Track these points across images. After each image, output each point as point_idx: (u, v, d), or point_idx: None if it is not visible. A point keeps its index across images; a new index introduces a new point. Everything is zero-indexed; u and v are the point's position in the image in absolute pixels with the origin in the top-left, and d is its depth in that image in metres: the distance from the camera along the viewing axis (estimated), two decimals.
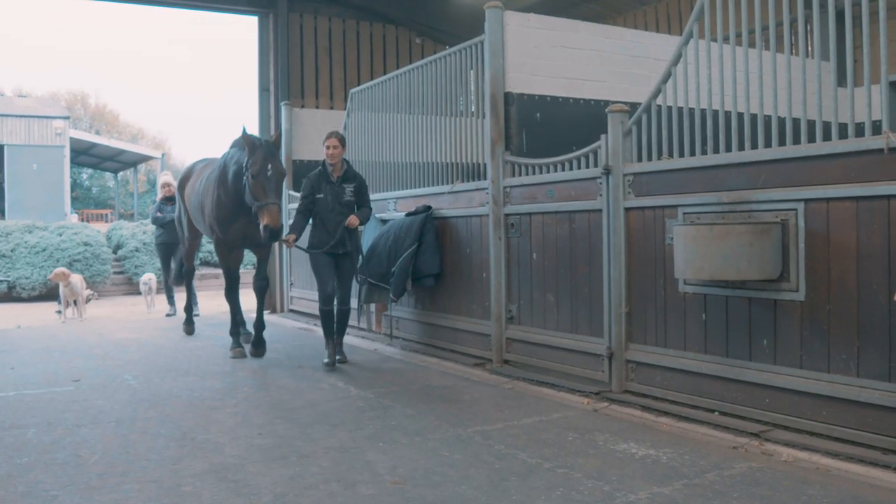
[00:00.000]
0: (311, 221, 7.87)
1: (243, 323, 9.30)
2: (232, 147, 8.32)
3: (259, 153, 7.48)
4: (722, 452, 4.62)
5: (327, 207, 7.67)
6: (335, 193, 7.69)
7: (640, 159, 5.96)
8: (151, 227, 15.47)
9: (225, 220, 8.32)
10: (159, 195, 13.52)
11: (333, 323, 7.86)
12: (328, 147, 7.70)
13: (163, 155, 41.07)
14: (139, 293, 15.48)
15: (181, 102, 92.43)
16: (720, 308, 5.27)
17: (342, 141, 7.81)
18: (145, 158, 39.69)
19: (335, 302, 7.87)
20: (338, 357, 7.84)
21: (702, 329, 5.40)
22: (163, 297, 14.34)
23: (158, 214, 13.12)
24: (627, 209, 5.92)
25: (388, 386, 6.64)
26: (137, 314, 13.98)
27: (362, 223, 7.91)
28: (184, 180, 10.11)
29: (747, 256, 4.76)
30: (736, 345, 5.17)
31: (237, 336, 8.74)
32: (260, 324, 8.57)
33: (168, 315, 13.13)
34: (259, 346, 8.49)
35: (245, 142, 7.62)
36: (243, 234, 8.35)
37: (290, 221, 8.82)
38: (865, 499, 3.83)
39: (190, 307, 10.85)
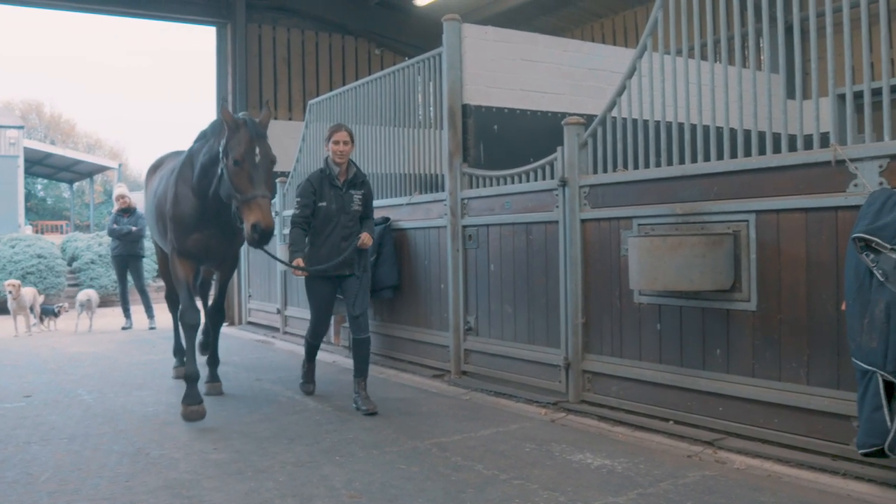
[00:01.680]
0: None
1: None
2: (197, 140, 6.58)
3: (243, 133, 5.70)
4: (676, 461, 4.66)
5: (331, 218, 6.36)
6: (341, 201, 6.39)
7: (595, 171, 6.02)
8: (108, 239, 15.25)
9: (184, 226, 6.42)
10: (115, 207, 13.35)
11: (315, 354, 6.98)
12: (336, 142, 6.39)
13: (119, 165, 40.57)
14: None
15: (139, 112, 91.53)
16: (674, 318, 5.33)
17: (353, 136, 6.56)
18: (102, 169, 39.14)
19: (350, 332, 6.61)
20: (364, 407, 6.11)
21: (657, 339, 5.46)
22: (104, 314, 14.14)
23: (115, 226, 12.95)
24: (583, 221, 5.98)
25: (346, 399, 6.60)
26: (94, 328, 13.74)
27: (373, 240, 6.68)
28: (148, 178, 8.35)
29: (700, 267, 4.83)
30: (690, 354, 5.23)
31: (182, 354, 7.49)
32: (215, 360, 7.23)
33: (124, 328, 12.95)
34: (215, 381, 7.11)
35: (225, 120, 5.80)
36: (206, 247, 6.50)
37: (285, 240, 7.59)
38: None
39: (180, 346, 8.01)
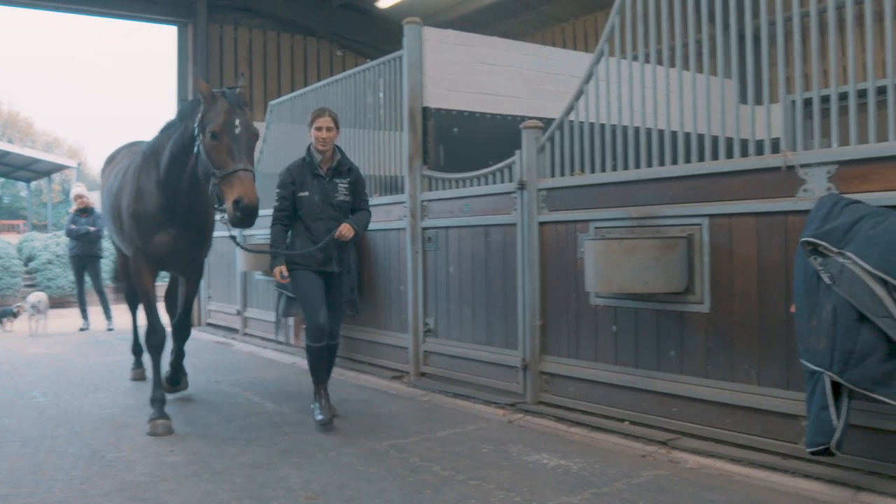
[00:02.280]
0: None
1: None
2: (163, 131, 5.98)
3: (221, 104, 5.23)
4: (631, 461, 4.73)
5: (314, 210, 5.83)
6: (325, 191, 5.85)
7: (553, 175, 6.09)
8: (65, 239, 15.05)
9: (148, 226, 5.90)
10: (73, 207, 13.18)
11: (327, 364, 6.03)
12: (319, 128, 5.84)
13: (78, 164, 39.90)
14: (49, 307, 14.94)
15: (99, 111, 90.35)
16: (630, 320, 5.41)
17: (337, 121, 5.98)
18: (60, 168, 38.48)
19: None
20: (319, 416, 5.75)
21: (612, 340, 5.53)
22: (61, 315, 13.96)
23: (73, 227, 12.80)
24: (541, 223, 6.03)
25: (306, 401, 6.59)
26: (51, 329, 13.55)
27: (358, 233, 5.94)
28: (103, 173, 7.74)
29: (654, 270, 4.90)
30: (645, 355, 5.31)
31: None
32: (177, 378, 6.90)
33: (81, 329, 12.79)
34: (177, 384, 6.90)
35: (200, 92, 5.32)
36: (173, 250, 5.97)
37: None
38: (764, 502, 3.98)
39: (138, 345, 7.80)
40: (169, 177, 5.76)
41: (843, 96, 4.43)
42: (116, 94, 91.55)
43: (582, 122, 5.92)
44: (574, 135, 5.96)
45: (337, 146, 6.02)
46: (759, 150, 4.80)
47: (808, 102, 4.72)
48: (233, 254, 10.69)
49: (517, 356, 6.23)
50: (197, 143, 5.34)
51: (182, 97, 13.16)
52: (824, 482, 4.15)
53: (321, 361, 5.90)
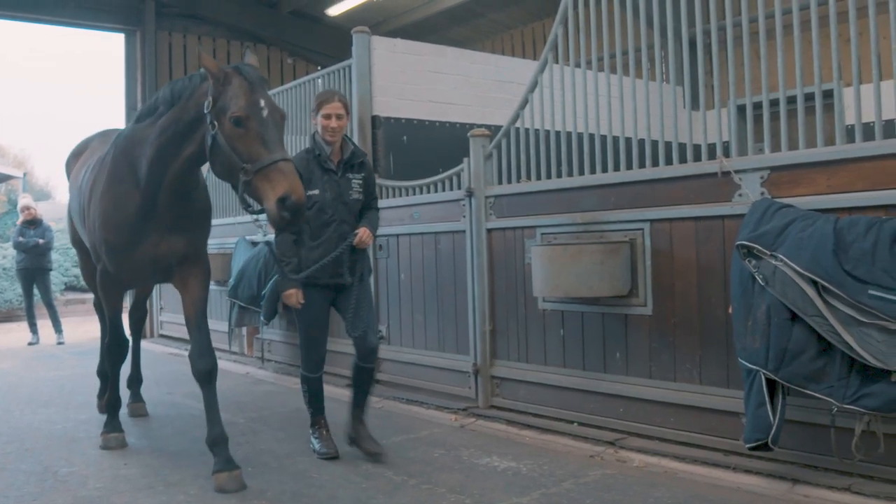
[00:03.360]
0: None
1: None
2: (138, 120, 4.91)
3: (238, 83, 4.17)
4: (579, 461, 4.85)
5: (324, 211, 5.00)
6: (337, 188, 5.04)
7: (500, 182, 6.21)
8: (12, 252, 14.84)
9: (128, 236, 4.92)
10: (20, 219, 13.02)
11: (323, 396, 5.35)
12: (327, 116, 5.02)
13: (24, 175, 39.12)
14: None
15: (44, 118, 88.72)
16: (576, 323, 5.54)
17: (348, 107, 5.17)
18: (5, 178, 37.70)
19: (355, 358, 5.19)
20: (368, 448, 5.08)
21: (560, 344, 5.65)
22: (9, 329, 13.78)
23: (20, 239, 12.64)
24: (490, 230, 6.15)
25: (260, 410, 6.63)
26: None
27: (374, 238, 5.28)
28: (70, 166, 6.73)
29: (599, 274, 5.03)
30: (592, 358, 5.44)
31: (115, 411, 5.81)
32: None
33: (30, 343, 12.62)
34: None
35: (208, 70, 4.21)
36: (168, 254, 4.99)
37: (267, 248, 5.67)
38: (706, 497, 4.12)
39: (138, 376, 7.02)
40: (153, 176, 4.73)
41: (774, 103, 4.62)
42: (61, 99, 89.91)
43: (528, 130, 6.05)
44: (520, 142, 6.09)
45: (347, 136, 5.26)
46: (697, 155, 4.96)
47: (742, 109, 4.89)
48: None
49: (468, 361, 6.33)
50: (211, 133, 4.22)
51: (131, 105, 13.08)
52: (763, 476, 4.31)
53: (317, 392, 5.29)
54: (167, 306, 12.14)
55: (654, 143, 5.20)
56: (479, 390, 6.24)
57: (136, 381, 6.90)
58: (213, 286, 9.91)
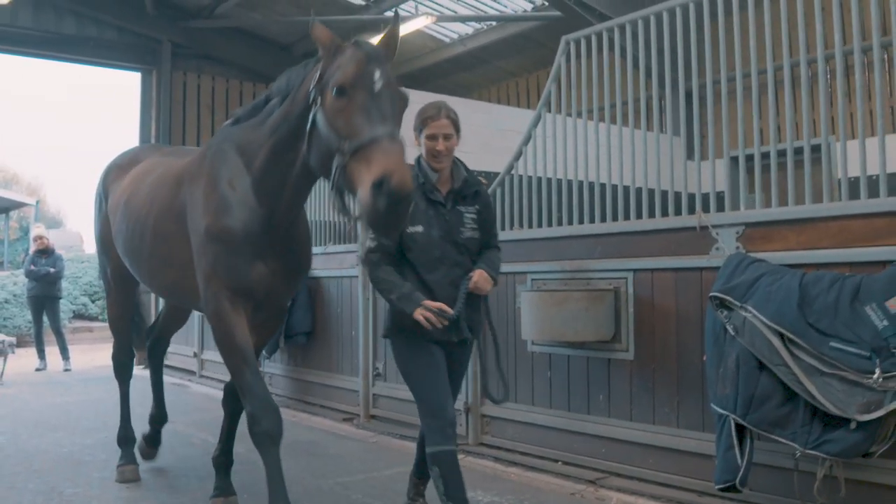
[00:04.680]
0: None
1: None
2: (249, 114, 4.26)
3: (352, 53, 3.52)
4: (559, 499, 5.08)
5: (431, 252, 4.06)
6: (446, 225, 4.11)
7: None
8: (23, 279, 15.14)
9: (240, 251, 4.10)
10: (32, 248, 13.35)
11: (462, 480, 4.02)
12: (433, 137, 4.06)
13: (37, 202, 39.61)
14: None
15: (59, 148, 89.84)
16: (563, 366, 5.79)
17: (458, 125, 4.16)
18: (18, 205, 38.12)
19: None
20: None
21: (547, 385, 5.90)
22: (19, 355, 13.98)
23: (32, 268, 12.96)
24: None
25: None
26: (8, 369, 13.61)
27: (495, 283, 4.24)
28: (110, 181, 5.74)
29: (584, 320, 5.29)
30: (577, 399, 5.68)
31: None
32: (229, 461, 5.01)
33: (38, 369, 12.88)
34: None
35: (321, 43, 3.66)
36: (267, 287, 4.21)
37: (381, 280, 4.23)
38: None
39: (126, 432, 5.90)
40: (269, 179, 4.04)
41: (750, 158, 4.91)
42: (74, 129, 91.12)
43: (521, 178, 6.35)
44: (514, 191, 6.38)
45: (458, 159, 4.29)
46: (678, 209, 5.24)
47: (748, 159, 5.16)
48: None
49: (460, 400, 6.56)
50: (312, 113, 3.59)
51: (145, 140, 13.51)
52: None
53: (456, 471, 3.98)
54: (173, 337, 12.36)
55: (642, 192, 5.50)
56: (469, 428, 6.47)
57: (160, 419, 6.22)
58: None
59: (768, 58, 4.90)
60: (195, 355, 11.33)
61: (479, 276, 4.06)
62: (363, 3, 13.05)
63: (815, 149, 4.85)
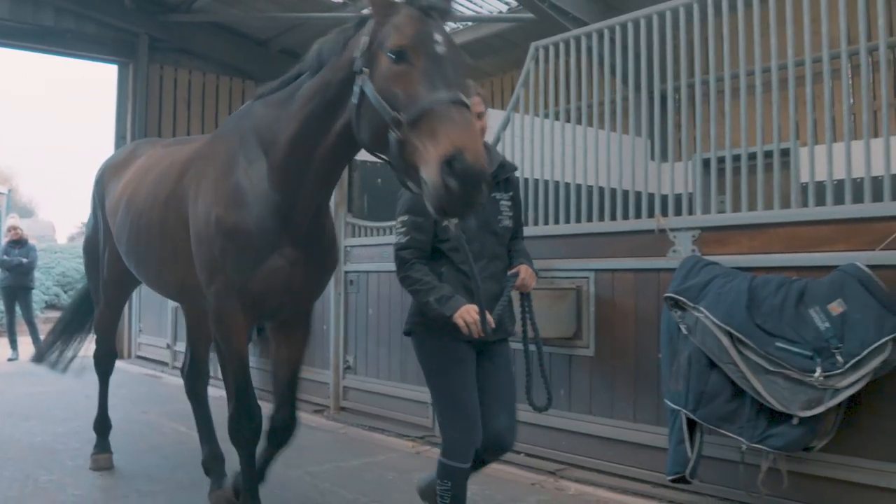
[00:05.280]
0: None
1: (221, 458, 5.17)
2: (278, 89, 3.75)
3: (406, 13, 3.03)
4: (520, 488, 5.28)
5: (471, 242, 3.58)
6: (483, 214, 3.69)
7: None
8: None
9: (252, 246, 3.67)
10: (5, 238, 13.38)
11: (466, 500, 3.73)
12: None
13: (9, 191, 39.27)
14: None
15: (32, 138, 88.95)
16: (525, 361, 5.97)
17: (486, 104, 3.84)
18: None
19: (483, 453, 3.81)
20: None
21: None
22: None
23: (5, 258, 12.98)
24: None
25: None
26: None
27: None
28: (107, 180, 5.39)
29: (547, 317, 5.48)
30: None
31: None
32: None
33: (10, 359, 12.92)
34: None
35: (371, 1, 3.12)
36: (286, 285, 3.75)
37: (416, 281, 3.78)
38: None
39: (103, 421, 5.86)
40: (291, 164, 3.59)
41: (720, 161, 5.14)
42: (49, 122, 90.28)
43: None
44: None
45: (489, 144, 4.00)
46: (639, 212, 5.46)
47: (720, 160, 5.34)
48: None
49: (428, 392, 6.73)
50: (358, 86, 3.07)
51: (120, 134, 13.52)
52: None
53: (465, 491, 3.72)
54: (145, 328, 12.48)
55: (605, 193, 5.71)
56: (436, 420, 6.65)
57: (216, 457, 5.23)
58: None
59: (741, 63, 5.09)
60: (168, 346, 11.43)
61: (525, 273, 3.79)
62: (341, 0, 13.15)
63: (784, 153, 5.04)
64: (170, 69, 14.13)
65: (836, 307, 4.14)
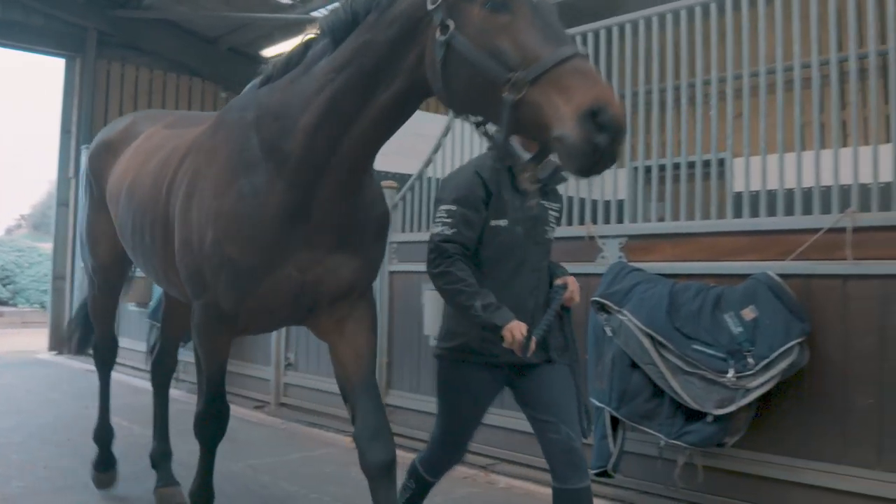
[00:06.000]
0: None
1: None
2: (267, 80, 3.30)
3: None
4: (453, 481, 5.47)
5: (513, 252, 3.38)
6: (532, 220, 3.45)
7: (404, 230, 6.90)
8: None
9: (255, 255, 3.15)
10: None
11: None
12: None
13: None
14: None
15: None
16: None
17: None
18: None
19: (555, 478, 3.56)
20: None
21: None
22: None
23: None
24: (392, 273, 6.84)
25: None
26: None
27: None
28: (102, 159, 4.82)
29: None
30: None
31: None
32: None
33: None
34: None
35: None
36: (297, 291, 3.24)
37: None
38: None
39: (104, 432, 5.34)
40: (312, 156, 3.04)
41: (649, 170, 5.42)
42: None
43: (430, 180, 6.78)
44: (423, 195, 6.80)
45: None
46: (570, 218, 5.72)
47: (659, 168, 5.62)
48: None
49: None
50: (440, 40, 2.60)
51: (65, 129, 13.48)
52: (608, 500, 5.03)
53: (422, 498, 3.83)
54: None
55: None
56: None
57: (165, 454, 5.28)
58: (133, 308, 10.38)
59: (683, 74, 5.35)
60: None
61: (574, 286, 3.43)
62: (289, 1, 13.25)
63: (716, 163, 5.33)
64: (117, 65, 14.08)
65: (749, 313, 4.45)
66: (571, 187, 5.87)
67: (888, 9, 4.43)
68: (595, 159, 2.33)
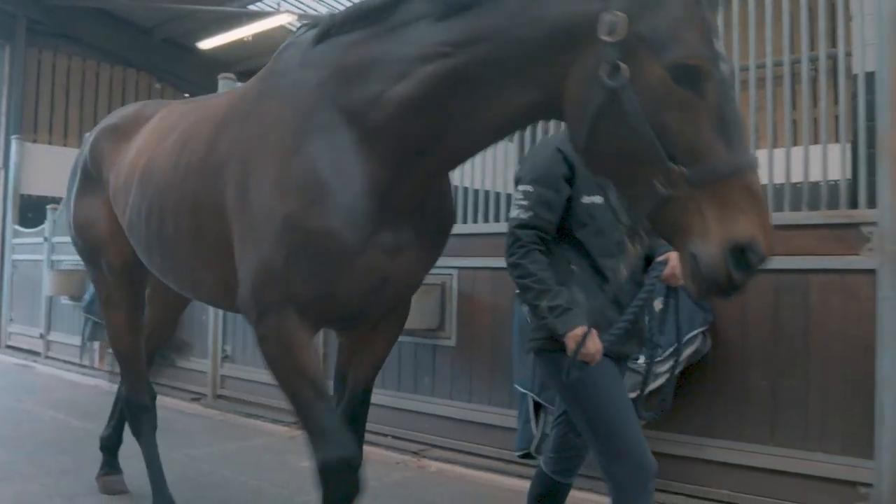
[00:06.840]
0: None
1: None
2: (328, 33, 2.67)
3: (694, 6, 2.08)
4: (386, 467, 5.77)
5: (607, 234, 3.03)
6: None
7: None
8: None
9: (347, 229, 2.57)
10: None
11: None
12: None
13: None
14: None
15: None
16: (394, 351, 6.41)
17: None
18: None
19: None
20: None
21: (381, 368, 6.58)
22: None
23: None
24: None
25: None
26: None
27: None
28: (107, 142, 4.21)
29: (414, 310, 5.92)
30: (405, 380, 6.40)
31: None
32: None
33: None
34: None
35: None
36: (384, 276, 2.75)
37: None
38: (479, 494, 5.13)
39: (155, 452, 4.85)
40: (406, 134, 2.53)
41: None
42: None
43: None
44: None
45: None
46: (497, 215, 6.02)
47: None
48: (37, 275, 11.02)
49: None
50: (608, 85, 2.08)
51: None
52: (530, 479, 5.34)
53: None
54: (17, 318, 12.35)
55: (467, 194, 6.25)
56: None
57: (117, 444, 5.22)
58: (67, 301, 10.39)
59: None
60: (41, 336, 11.36)
61: (676, 261, 2.84)
62: None
63: None
64: (49, 53, 13.98)
65: (659, 304, 4.80)
66: (500, 183, 6.18)
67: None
68: (718, 291, 2.10)
